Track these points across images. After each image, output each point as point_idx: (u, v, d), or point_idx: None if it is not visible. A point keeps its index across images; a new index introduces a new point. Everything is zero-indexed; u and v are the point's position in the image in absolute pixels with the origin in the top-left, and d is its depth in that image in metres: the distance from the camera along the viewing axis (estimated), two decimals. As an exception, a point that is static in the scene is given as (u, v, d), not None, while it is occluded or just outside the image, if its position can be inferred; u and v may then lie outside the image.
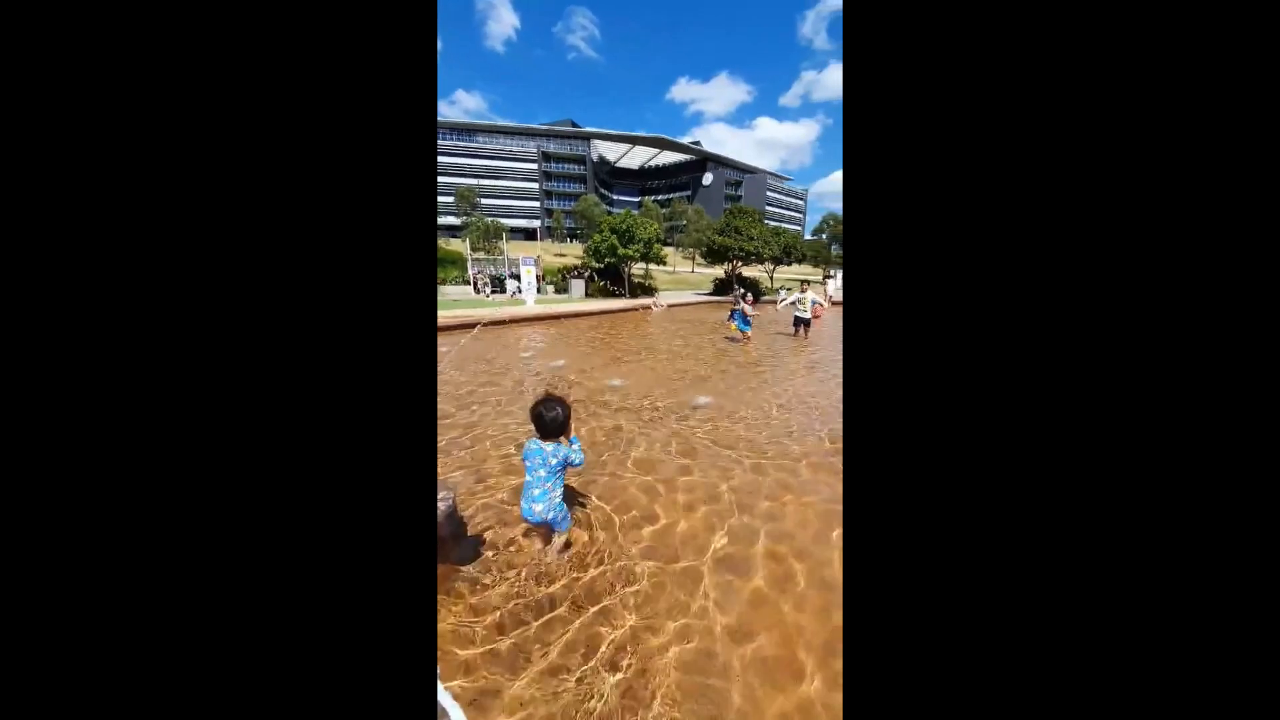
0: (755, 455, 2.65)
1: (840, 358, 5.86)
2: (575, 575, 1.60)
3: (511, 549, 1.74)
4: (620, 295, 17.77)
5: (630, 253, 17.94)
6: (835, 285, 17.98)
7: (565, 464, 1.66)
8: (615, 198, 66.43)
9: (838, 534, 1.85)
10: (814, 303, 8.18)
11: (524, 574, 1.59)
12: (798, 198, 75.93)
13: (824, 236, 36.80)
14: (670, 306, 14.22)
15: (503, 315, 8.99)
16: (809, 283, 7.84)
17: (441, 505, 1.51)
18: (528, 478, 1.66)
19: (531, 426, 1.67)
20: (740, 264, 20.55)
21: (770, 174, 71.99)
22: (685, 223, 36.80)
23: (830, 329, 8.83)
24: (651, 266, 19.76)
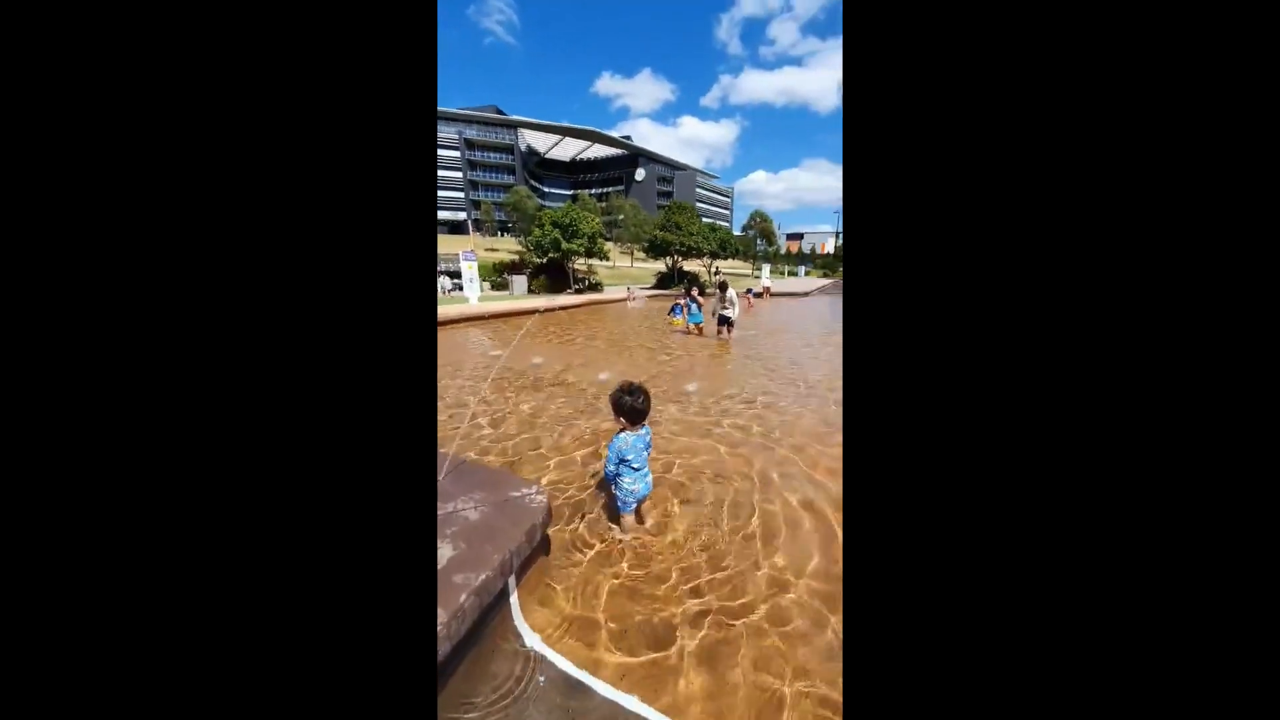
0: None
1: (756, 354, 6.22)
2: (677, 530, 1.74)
3: (613, 531, 1.88)
4: (578, 289, 17.46)
5: (575, 247, 17.69)
6: (766, 276, 19.44)
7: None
8: (547, 190, 64.39)
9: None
10: (750, 292, 8.55)
11: (641, 545, 1.70)
12: (724, 195, 79.60)
13: (751, 233, 39.16)
14: (638, 299, 14.31)
15: (491, 310, 8.60)
16: (725, 284, 7.05)
17: (540, 498, 1.55)
18: (636, 464, 1.79)
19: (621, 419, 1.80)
20: (681, 259, 21.25)
21: (699, 171, 74.58)
22: (622, 217, 36.94)
23: (762, 324, 9.49)
24: (593, 261, 19.67)
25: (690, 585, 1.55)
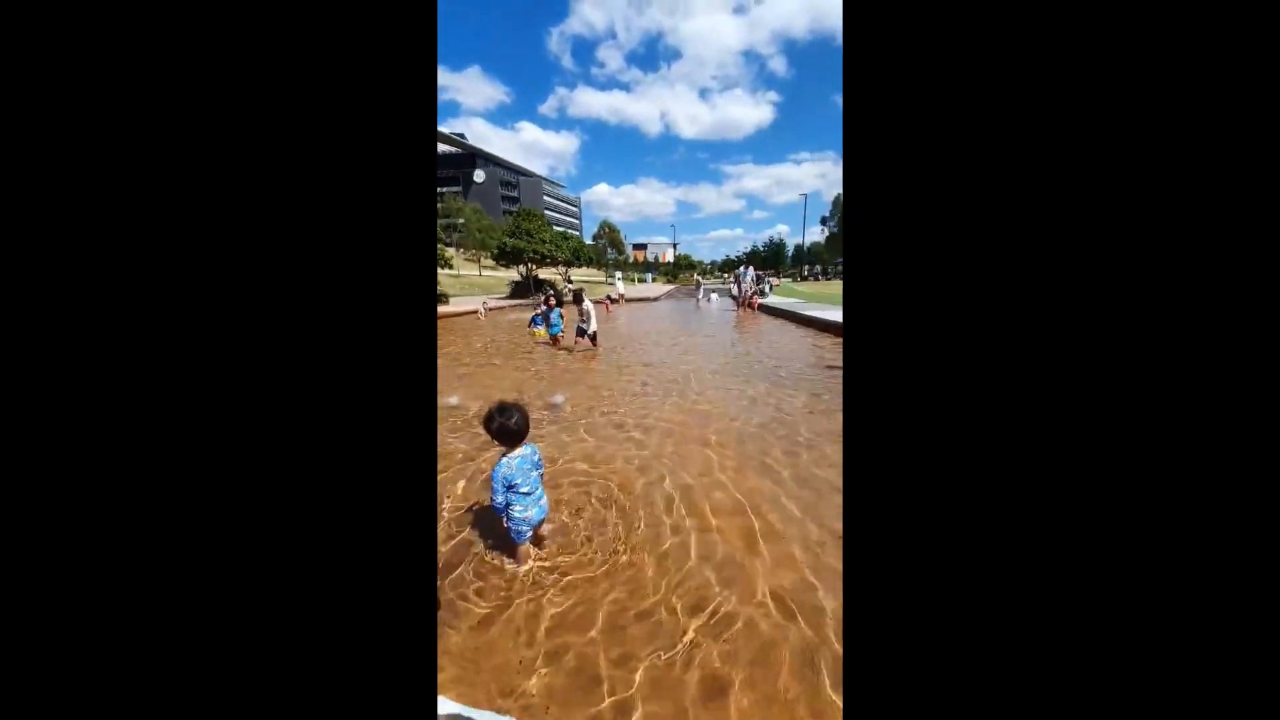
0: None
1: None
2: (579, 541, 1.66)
3: (510, 565, 1.69)
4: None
5: (409, 253, 15.44)
6: (620, 283, 20.53)
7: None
8: (363, 185, 54.42)
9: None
10: (608, 298, 8.60)
11: (537, 571, 1.55)
12: (573, 204, 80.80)
13: (602, 242, 40.79)
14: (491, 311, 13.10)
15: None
16: (579, 294, 6.68)
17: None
18: (525, 489, 1.64)
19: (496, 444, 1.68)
20: (535, 266, 20.72)
21: (544, 179, 73.91)
22: (463, 221, 33.98)
23: (620, 330, 10.04)
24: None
25: (605, 607, 1.53)
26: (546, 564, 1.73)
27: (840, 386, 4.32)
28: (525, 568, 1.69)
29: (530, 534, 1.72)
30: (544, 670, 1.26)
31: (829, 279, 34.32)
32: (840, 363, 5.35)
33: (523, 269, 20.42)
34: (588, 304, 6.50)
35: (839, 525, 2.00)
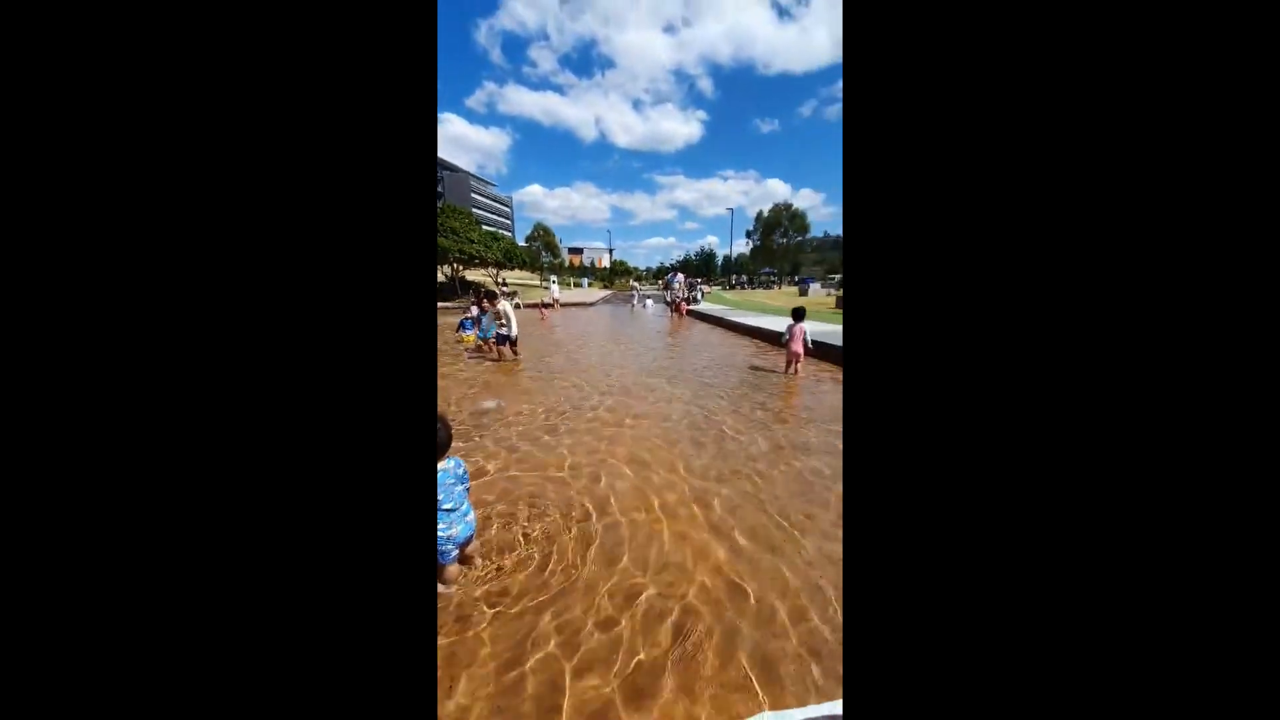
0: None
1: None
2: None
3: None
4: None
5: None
6: (555, 288, 20.11)
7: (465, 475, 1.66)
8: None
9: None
10: (542, 303, 8.27)
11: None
12: (504, 204, 77.56)
13: (536, 245, 39.62)
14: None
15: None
16: (493, 294, 6.27)
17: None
18: (448, 505, 1.52)
19: None
20: (462, 267, 19.55)
21: (472, 175, 70.14)
22: (379, 215, 30.94)
23: (556, 335, 9.91)
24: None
25: (548, 617, 1.48)
26: (477, 578, 1.62)
27: (761, 388, 4.62)
28: (453, 588, 1.57)
29: (457, 553, 1.60)
30: (482, 685, 1.17)
31: (754, 288, 36.81)
32: (762, 363, 5.76)
33: (448, 269, 19.16)
34: (504, 305, 6.06)
35: (782, 511, 2.13)
